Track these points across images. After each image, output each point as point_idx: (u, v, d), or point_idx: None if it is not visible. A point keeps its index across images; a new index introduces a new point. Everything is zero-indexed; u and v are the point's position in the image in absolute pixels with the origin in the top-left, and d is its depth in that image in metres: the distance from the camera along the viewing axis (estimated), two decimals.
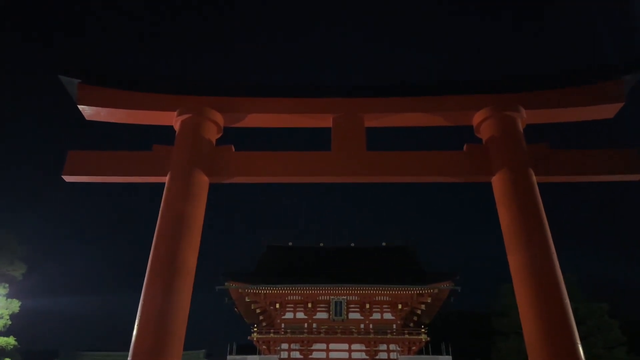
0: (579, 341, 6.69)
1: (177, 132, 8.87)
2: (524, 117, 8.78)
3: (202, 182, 8.30)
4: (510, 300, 27.43)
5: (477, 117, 8.91)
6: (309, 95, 9.18)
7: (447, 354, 34.05)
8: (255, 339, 38.27)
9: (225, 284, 37.80)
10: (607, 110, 8.91)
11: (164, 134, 9.24)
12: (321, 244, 47.08)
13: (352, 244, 47.13)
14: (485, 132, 8.81)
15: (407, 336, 38.22)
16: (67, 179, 8.77)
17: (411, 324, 40.28)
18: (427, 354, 35.92)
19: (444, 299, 38.89)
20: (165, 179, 8.33)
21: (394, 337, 38.25)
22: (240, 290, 38.43)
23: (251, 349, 37.52)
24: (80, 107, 9.04)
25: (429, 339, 37.36)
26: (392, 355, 38.05)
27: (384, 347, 38.67)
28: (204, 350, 33.28)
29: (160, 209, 8.00)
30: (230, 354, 34.58)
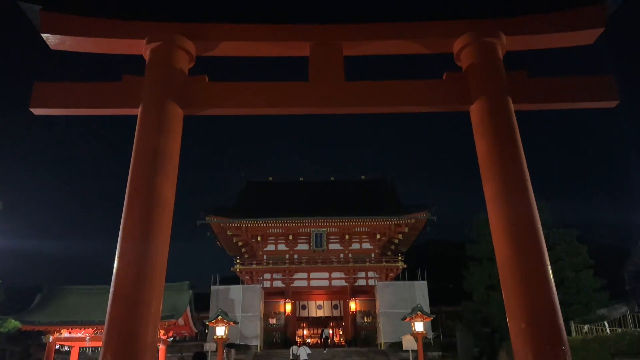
0: (549, 264, 6.97)
1: (147, 62, 8.46)
2: (504, 44, 8.62)
3: (176, 114, 8.06)
4: (483, 229, 28.39)
5: (457, 44, 8.71)
6: (283, 21, 8.78)
7: (423, 279, 35.53)
8: (238, 270, 39.37)
9: (207, 218, 38.22)
10: (588, 36, 8.78)
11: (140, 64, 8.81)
12: (301, 178, 47.45)
13: (332, 178, 47.64)
14: (465, 60, 8.65)
15: (384, 264, 39.76)
16: (35, 112, 8.41)
17: (389, 253, 41.82)
18: (404, 279, 37.48)
19: (420, 228, 40.20)
20: (137, 111, 8.05)
21: (372, 265, 39.77)
22: (221, 225, 38.98)
23: (235, 280, 38.59)
24: (44, 35, 8.50)
25: (405, 266, 38.90)
26: (370, 282, 39.71)
27: (362, 274, 40.27)
28: (187, 282, 34.03)
29: (134, 142, 7.79)
30: (214, 284, 35.48)
